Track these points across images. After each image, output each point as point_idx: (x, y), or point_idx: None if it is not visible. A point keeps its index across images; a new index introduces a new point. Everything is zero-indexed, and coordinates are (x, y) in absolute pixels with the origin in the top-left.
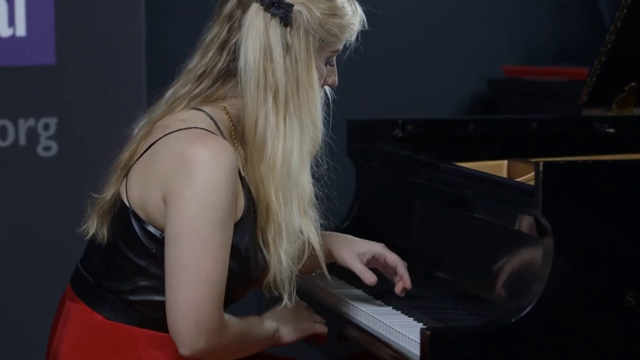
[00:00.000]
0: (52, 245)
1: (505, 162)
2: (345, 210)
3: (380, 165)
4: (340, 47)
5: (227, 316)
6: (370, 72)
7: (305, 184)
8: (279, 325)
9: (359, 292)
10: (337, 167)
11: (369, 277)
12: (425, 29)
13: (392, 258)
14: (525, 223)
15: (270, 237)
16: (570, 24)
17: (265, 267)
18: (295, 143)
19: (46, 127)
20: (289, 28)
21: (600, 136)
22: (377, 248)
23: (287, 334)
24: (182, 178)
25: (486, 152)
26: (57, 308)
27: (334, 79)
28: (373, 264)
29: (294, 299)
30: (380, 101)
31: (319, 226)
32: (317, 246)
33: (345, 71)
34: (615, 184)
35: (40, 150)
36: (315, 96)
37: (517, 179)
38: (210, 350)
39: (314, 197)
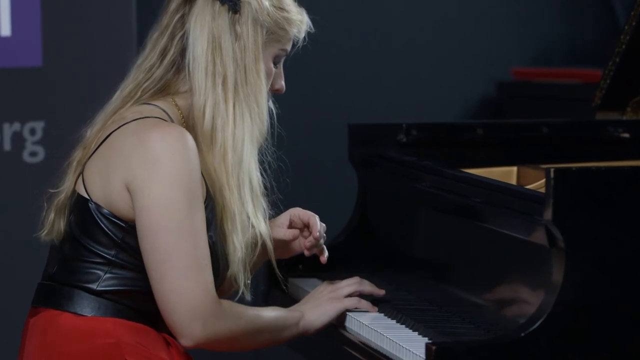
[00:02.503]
0: (37, 254)
1: (515, 168)
2: (347, 219)
3: (383, 172)
4: (288, 47)
5: (226, 302)
6: (373, 74)
7: (254, 172)
8: (305, 312)
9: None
10: (336, 173)
11: (289, 234)
12: (431, 29)
13: (305, 213)
14: (535, 232)
15: (225, 226)
16: (583, 24)
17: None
18: (246, 130)
19: (32, 131)
20: (237, 16)
21: (614, 141)
22: (291, 211)
23: (314, 319)
24: (146, 165)
25: (495, 158)
26: (21, 337)
27: (281, 84)
28: (295, 227)
29: (249, 289)
30: (383, 104)
31: (267, 216)
32: (265, 235)
33: (347, 73)
34: (630, 191)
35: (26, 156)
36: (262, 87)
37: (527, 186)
38: (211, 337)
39: (262, 185)
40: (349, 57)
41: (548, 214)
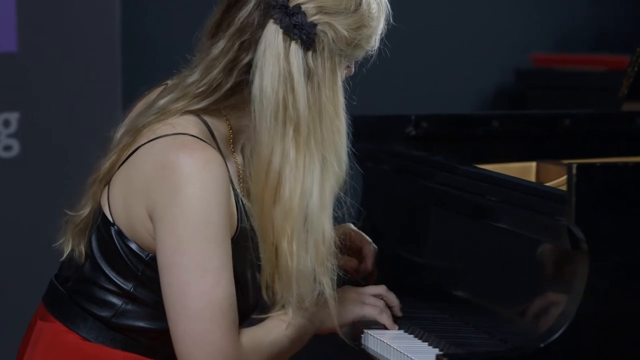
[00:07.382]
0: (11, 256)
1: (534, 164)
2: (350, 220)
3: (391, 168)
4: (367, 51)
5: (245, 338)
6: (380, 62)
7: (326, 228)
8: (316, 310)
9: None
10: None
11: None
12: (443, 12)
13: (357, 236)
14: (556, 234)
15: (277, 286)
16: (609, 6)
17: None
18: (315, 182)
19: (6, 123)
20: (311, 52)
21: None
22: (344, 227)
23: (326, 318)
24: (166, 194)
25: (512, 153)
26: (26, 329)
27: (350, 68)
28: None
29: None
30: (390, 94)
31: (335, 277)
32: (331, 301)
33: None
34: None
35: None
36: (341, 125)
37: (547, 184)
38: None
39: (333, 244)
40: None
41: (570, 214)
